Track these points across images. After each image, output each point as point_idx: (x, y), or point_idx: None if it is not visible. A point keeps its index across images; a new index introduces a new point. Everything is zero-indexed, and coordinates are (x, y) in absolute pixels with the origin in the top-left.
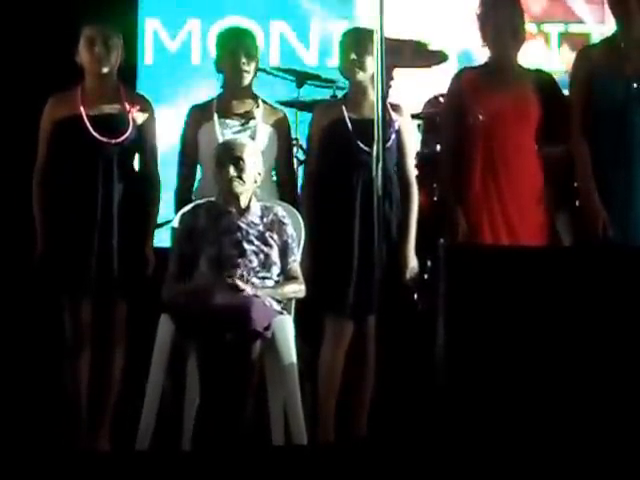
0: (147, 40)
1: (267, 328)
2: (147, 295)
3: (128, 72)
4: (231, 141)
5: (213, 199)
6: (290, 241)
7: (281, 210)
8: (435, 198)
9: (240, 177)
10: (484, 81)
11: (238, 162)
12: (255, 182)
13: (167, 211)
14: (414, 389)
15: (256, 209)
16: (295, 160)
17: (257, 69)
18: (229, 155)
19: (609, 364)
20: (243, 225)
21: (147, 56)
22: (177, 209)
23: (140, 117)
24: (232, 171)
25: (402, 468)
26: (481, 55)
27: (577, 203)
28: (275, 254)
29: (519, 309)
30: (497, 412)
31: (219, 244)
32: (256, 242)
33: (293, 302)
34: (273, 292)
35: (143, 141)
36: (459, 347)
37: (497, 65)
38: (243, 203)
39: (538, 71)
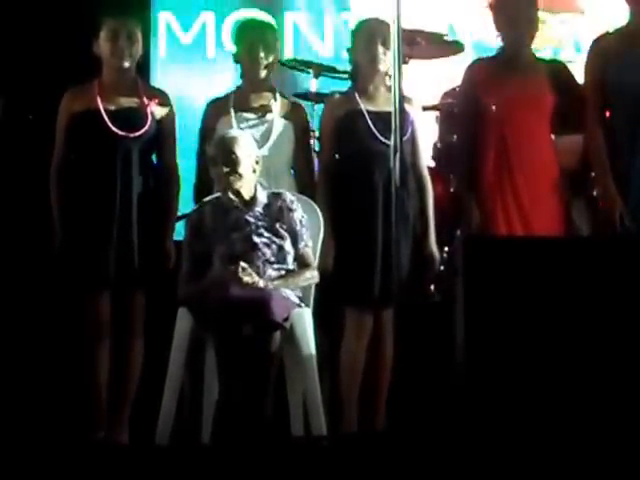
0: (160, 33)
1: (286, 320)
2: (166, 288)
3: (141, 65)
4: (221, 137)
5: (219, 195)
6: (299, 227)
7: (289, 196)
8: (451, 189)
9: (235, 171)
10: (498, 71)
11: (230, 157)
12: (254, 172)
13: (186, 204)
14: (432, 380)
15: (262, 198)
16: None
17: (275, 62)
18: (220, 151)
19: (626, 353)
20: (251, 219)
21: (160, 49)
22: (196, 203)
23: (158, 111)
24: (226, 167)
25: (421, 459)
26: (495, 45)
27: (593, 192)
28: (288, 244)
29: (535, 299)
30: (515, 403)
31: (229, 241)
32: (266, 234)
33: (312, 294)
34: (285, 283)
35: (161, 135)
36: (477, 337)
37: (511, 55)
38: (247, 195)
39: (552, 60)
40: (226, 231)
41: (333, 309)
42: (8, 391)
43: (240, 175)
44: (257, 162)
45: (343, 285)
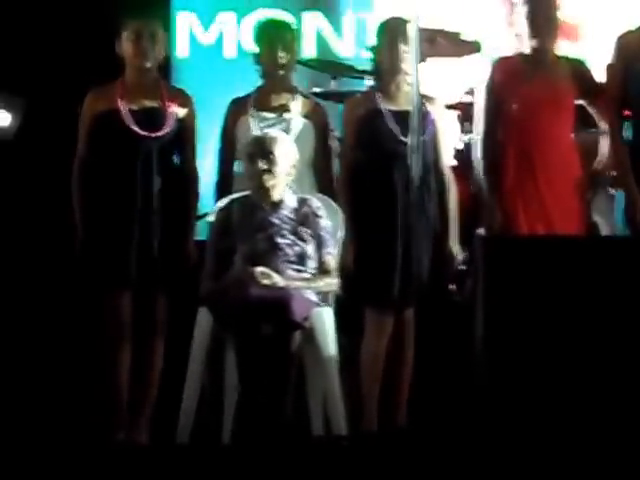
0: (180, 33)
1: (306, 319)
2: (186, 287)
3: (161, 65)
4: (262, 135)
5: (248, 193)
6: (324, 234)
7: (316, 202)
8: (472, 188)
9: (271, 170)
10: (520, 70)
11: (268, 156)
12: (288, 175)
13: (205, 204)
14: (453, 379)
15: (291, 202)
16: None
17: (295, 62)
18: (260, 149)
19: None
20: (276, 221)
21: (180, 49)
22: (217, 203)
23: (180, 111)
24: (262, 165)
25: (441, 458)
26: (514, 44)
27: (614, 191)
28: (310, 249)
29: (556, 299)
30: (536, 401)
31: (253, 241)
32: (290, 237)
33: (332, 293)
34: (307, 285)
35: (182, 135)
36: (497, 337)
37: (533, 54)
38: (276, 197)
39: (573, 59)
40: (251, 230)
41: (353, 308)
42: (30, 391)
43: (275, 175)
44: (293, 166)
45: (363, 284)
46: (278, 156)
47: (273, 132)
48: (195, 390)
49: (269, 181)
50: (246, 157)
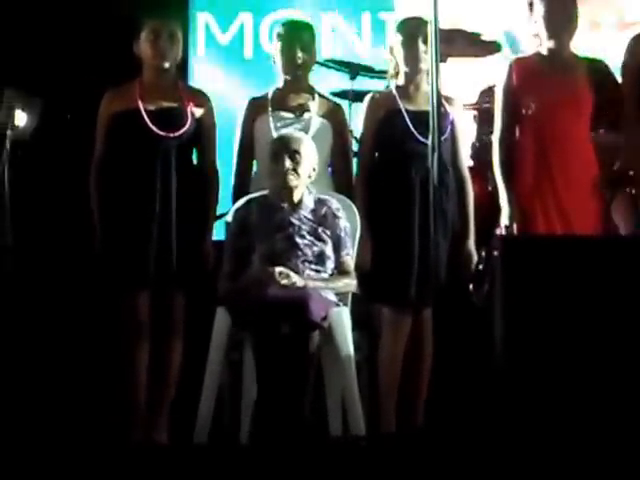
0: (199, 33)
1: (324, 319)
2: (205, 287)
3: (180, 65)
4: (288, 134)
5: (266, 193)
6: (343, 235)
7: (335, 203)
8: (490, 188)
9: (295, 170)
10: (537, 70)
11: (294, 155)
12: (309, 177)
13: (223, 204)
14: (471, 380)
15: (309, 202)
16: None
17: (313, 62)
18: (286, 148)
19: None
20: (295, 221)
21: (199, 49)
22: (234, 203)
23: (198, 111)
24: (288, 164)
25: (459, 459)
26: (532, 44)
27: (632, 191)
28: (329, 249)
29: (574, 298)
30: (555, 401)
31: (272, 240)
32: (309, 237)
33: (350, 293)
34: (325, 285)
35: (201, 135)
36: (515, 337)
37: (550, 54)
38: (296, 197)
39: (592, 59)
40: (270, 230)
41: (371, 308)
42: (49, 391)
43: (299, 175)
44: (314, 169)
45: (381, 284)
46: (303, 156)
47: (297, 132)
48: (213, 390)
49: (293, 181)
50: (271, 156)
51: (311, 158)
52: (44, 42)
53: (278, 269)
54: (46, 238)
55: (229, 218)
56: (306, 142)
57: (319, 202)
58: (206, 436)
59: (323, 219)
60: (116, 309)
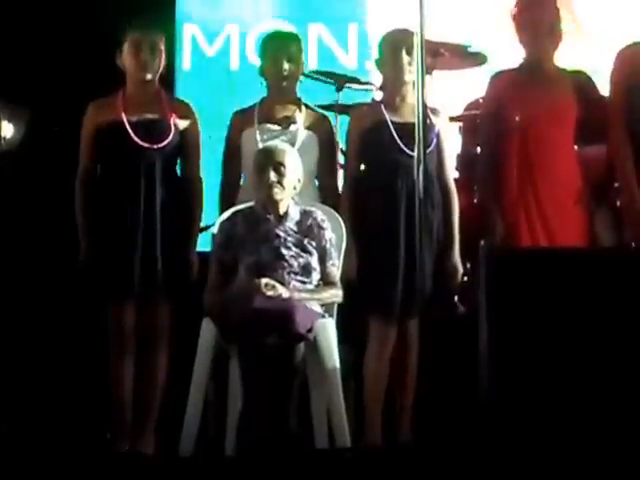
0: (185, 45)
1: (310, 330)
2: (190, 299)
3: (166, 77)
4: (272, 146)
5: (252, 205)
6: (328, 246)
7: (320, 214)
8: (475, 200)
9: (280, 183)
10: (521, 82)
11: (279, 167)
12: (294, 189)
13: (208, 216)
14: (457, 391)
15: (295, 214)
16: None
17: (300, 74)
18: (270, 160)
19: None
20: (281, 232)
21: (185, 61)
22: (221, 214)
23: (182, 123)
24: (272, 176)
25: (446, 472)
26: (517, 56)
27: (618, 203)
28: (315, 260)
29: (559, 310)
30: (542, 415)
31: (257, 252)
32: (294, 249)
33: (335, 305)
34: (310, 296)
35: (185, 146)
36: (501, 349)
37: (534, 66)
38: (282, 209)
39: (575, 71)
40: (255, 242)
41: (356, 320)
42: (34, 402)
43: (284, 187)
44: (299, 180)
45: (366, 296)
46: (288, 168)
47: (281, 144)
48: (199, 401)
49: (278, 194)
50: (256, 168)
51: (296, 170)
52: (30, 54)
53: (264, 280)
54: (32, 249)
55: (215, 230)
56: (290, 154)
57: (304, 213)
58: (192, 447)
59: (309, 230)
60: (102, 320)
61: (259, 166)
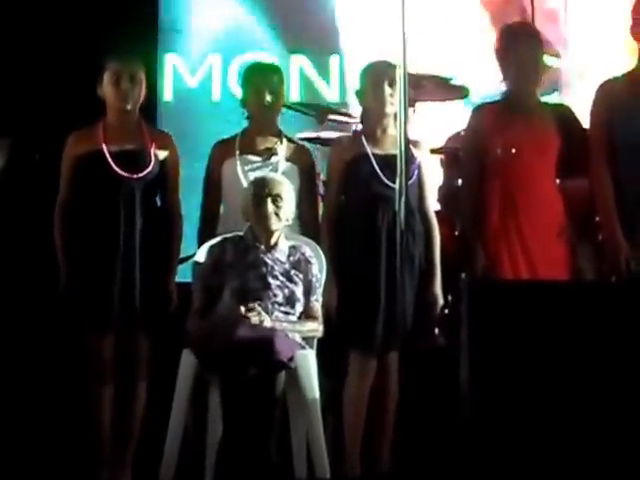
0: (167, 76)
1: (291, 359)
2: (169, 330)
3: (148, 108)
4: (268, 177)
5: (241, 234)
6: (314, 281)
7: (309, 250)
8: (456, 232)
9: (277, 214)
10: (503, 116)
11: (276, 199)
12: (287, 220)
13: (189, 246)
14: (437, 423)
15: (284, 247)
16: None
17: (281, 105)
18: (268, 191)
19: (633, 396)
20: (269, 261)
21: (167, 92)
22: (200, 245)
23: (161, 153)
24: (270, 208)
25: None
26: (499, 90)
27: (599, 237)
28: (299, 292)
29: (541, 343)
30: (522, 445)
31: (244, 277)
32: (281, 278)
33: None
34: (292, 328)
35: (165, 176)
36: (482, 381)
37: (516, 100)
38: (273, 240)
39: (557, 105)
40: (243, 268)
41: (336, 351)
42: (13, 430)
43: (280, 219)
44: (292, 212)
45: (346, 328)
46: (285, 200)
47: (277, 175)
48: (178, 431)
49: (275, 224)
50: (252, 199)
51: (291, 201)
52: (11, 83)
53: (250, 305)
54: (10, 278)
55: (201, 256)
56: (287, 186)
57: (293, 248)
58: (171, 477)
59: (297, 263)
60: (80, 350)
61: (256, 197)
